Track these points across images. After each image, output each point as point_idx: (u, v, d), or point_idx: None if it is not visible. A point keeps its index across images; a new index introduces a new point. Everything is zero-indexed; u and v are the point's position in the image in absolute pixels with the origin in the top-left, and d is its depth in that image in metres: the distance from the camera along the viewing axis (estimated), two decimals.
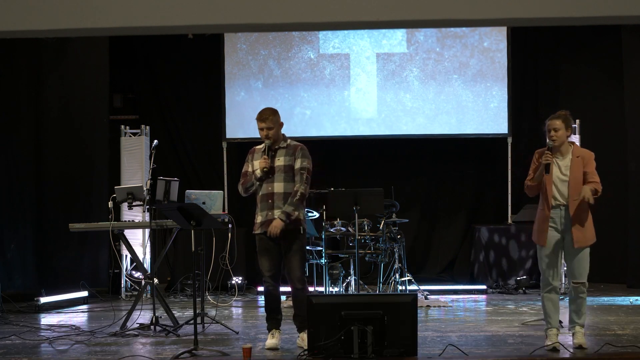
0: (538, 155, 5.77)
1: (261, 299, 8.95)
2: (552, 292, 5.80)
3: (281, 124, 5.97)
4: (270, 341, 5.84)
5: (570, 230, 5.75)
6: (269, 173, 5.80)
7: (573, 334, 5.82)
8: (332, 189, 8.04)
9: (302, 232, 5.85)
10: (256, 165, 5.90)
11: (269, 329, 5.91)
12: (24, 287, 8.65)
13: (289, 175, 5.84)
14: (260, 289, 9.45)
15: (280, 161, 5.84)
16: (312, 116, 10.22)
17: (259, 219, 5.87)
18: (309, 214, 8.44)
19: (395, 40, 10.17)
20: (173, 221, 6.49)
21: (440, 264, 10.61)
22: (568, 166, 5.74)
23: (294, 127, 10.02)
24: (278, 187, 5.83)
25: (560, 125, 5.69)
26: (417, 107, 10.14)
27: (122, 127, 9.58)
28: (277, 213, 5.76)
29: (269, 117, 5.89)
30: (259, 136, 9.95)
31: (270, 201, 5.81)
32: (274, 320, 5.91)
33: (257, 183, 5.85)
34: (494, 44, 10.09)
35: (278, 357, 5.62)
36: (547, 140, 5.71)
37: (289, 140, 5.98)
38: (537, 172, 5.73)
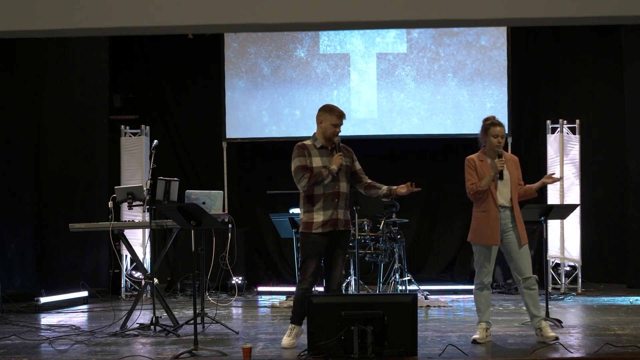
0: (474, 162, 6.04)
1: (261, 299, 8.97)
2: (484, 289, 6.02)
3: None
4: (287, 340, 5.83)
5: (511, 230, 5.95)
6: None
7: (540, 329, 5.92)
8: None
9: (351, 232, 6.06)
10: (318, 162, 5.78)
11: (292, 322, 5.88)
12: (24, 287, 8.65)
13: (347, 176, 5.90)
14: (260, 288, 9.47)
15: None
16: (308, 116, 10.07)
17: (319, 217, 5.76)
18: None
19: (391, 38, 10.10)
20: (173, 221, 6.49)
21: (440, 264, 10.61)
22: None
23: (289, 126, 10.04)
24: (343, 186, 5.84)
25: (504, 132, 6.02)
26: (415, 107, 10.10)
27: (122, 127, 9.58)
28: (341, 213, 5.79)
29: None
30: (259, 136, 10.11)
31: (336, 200, 5.79)
32: (301, 317, 5.88)
33: (329, 179, 5.76)
34: (491, 41, 10.04)
35: (278, 357, 5.62)
36: (495, 147, 5.95)
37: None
38: (484, 178, 5.94)
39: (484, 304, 6.00)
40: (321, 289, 7.50)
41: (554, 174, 5.93)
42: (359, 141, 10.29)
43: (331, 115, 5.83)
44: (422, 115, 10.09)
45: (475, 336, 5.93)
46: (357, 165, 6.01)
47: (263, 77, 10.19)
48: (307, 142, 5.90)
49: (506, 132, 9.96)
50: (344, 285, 8.32)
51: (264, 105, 10.12)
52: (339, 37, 10.13)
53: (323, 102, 10.20)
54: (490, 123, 6.01)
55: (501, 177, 5.91)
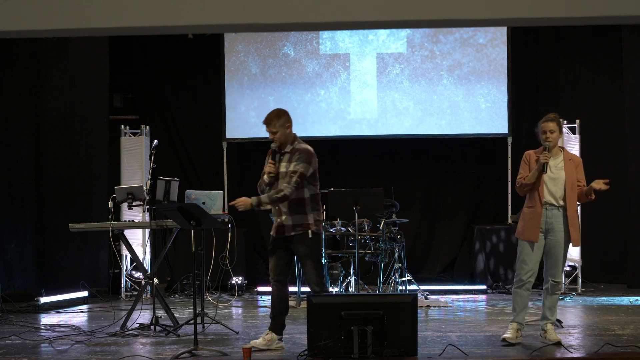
0: (529, 156, 5.99)
1: (261, 299, 8.97)
2: (522, 287, 5.94)
3: (288, 126, 5.76)
4: (255, 340, 5.81)
5: (558, 231, 5.89)
6: (276, 178, 5.71)
7: (545, 331, 5.93)
8: (332, 189, 8.03)
9: (310, 235, 5.71)
10: (265, 169, 5.82)
11: (269, 329, 5.87)
12: (24, 287, 8.65)
13: None
14: (260, 288, 9.47)
15: (282, 167, 5.73)
16: (299, 116, 9.99)
17: (274, 221, 5.88)
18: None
19: (387, 37, 10.04)
20: (173, 221, 6.49)
21: (440, 264, 10.61)
22: (558, 167, 5.95)
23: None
24: None
25: (554, 127, 5.96)
26: (414, 106, 10.07)
27: (122, 127, 9.58)
28: (286, 219, 5.73)
29: (272, 121, 5.72)
30: (258, 136, 10.09)
31: (277, 207, 5.79)
32: (274, 322, 5.85)
33: (267, 187, 5.77)
34: (488, 38, 10.02)
35: (278, 357, 5.62)
36: (543, 142, 5.93)
37: (295, 144, 5.78)
38: (532, 171, 5.90)
39: (519, 303, 5.92)
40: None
41: (607, 181, 5.90)
42: (356, 141, 10.34)
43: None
44: (426, 114, 10.05)
45: (506, 335, 5.87)
46: (290, 167, 5.69)
47: (273, 78, 10.13)
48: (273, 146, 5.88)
49: (506, 131, 10.09)
50: (344, 285, 8.32)
51: (273, 104, 10.06)
52: (333, 35, 10.08)
53: (317, 102, 10.28)
54: (543, 118, 6.03)
55: (544, 170, 5.82)
